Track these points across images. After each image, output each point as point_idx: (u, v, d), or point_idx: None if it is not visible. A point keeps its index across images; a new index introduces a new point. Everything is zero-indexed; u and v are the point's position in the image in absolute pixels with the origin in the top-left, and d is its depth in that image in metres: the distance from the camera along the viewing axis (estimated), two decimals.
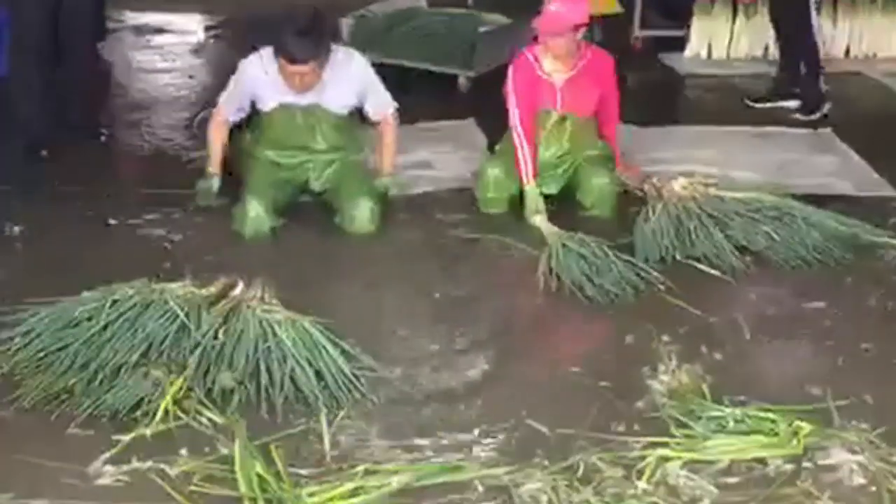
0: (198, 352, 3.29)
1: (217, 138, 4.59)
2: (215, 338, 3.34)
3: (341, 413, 3.22)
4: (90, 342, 3.37)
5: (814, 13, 5.85)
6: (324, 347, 3.36)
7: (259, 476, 2.87)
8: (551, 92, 4.61)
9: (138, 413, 3.14)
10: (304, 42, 4.20)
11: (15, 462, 2.98)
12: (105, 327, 3.40)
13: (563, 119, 4.63)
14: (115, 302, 3.47)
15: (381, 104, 4.63)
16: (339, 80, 4.42)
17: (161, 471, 2.94)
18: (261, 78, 4.39)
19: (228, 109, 4.56)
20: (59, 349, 3.38)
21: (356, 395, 3.28)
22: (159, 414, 3.12)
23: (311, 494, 2.84)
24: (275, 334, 3.35)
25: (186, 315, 3.40)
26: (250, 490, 2.84)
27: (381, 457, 3.03)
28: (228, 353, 3.30)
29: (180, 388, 3.20)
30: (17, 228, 4.40)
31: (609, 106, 4.78)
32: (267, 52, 4.35)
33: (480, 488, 2.92)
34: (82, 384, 3.24)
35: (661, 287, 3.96)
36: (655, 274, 4.01)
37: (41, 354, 3.38)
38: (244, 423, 3.10)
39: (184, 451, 3.02)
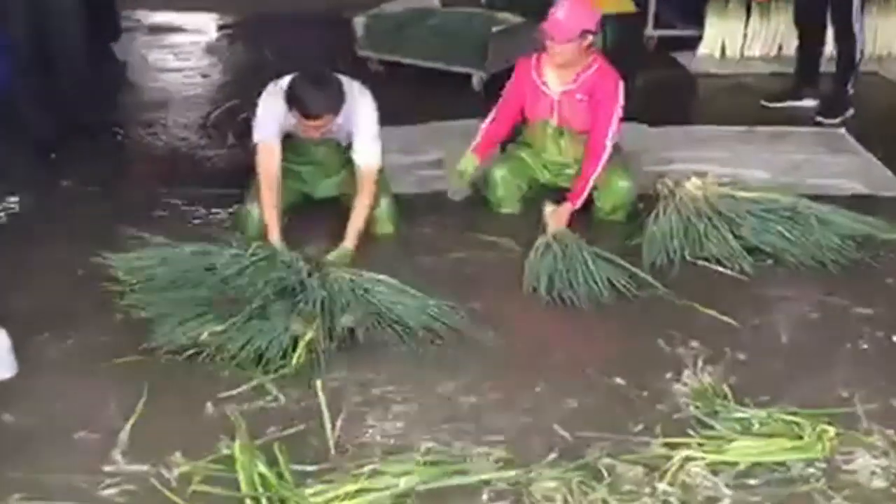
0: (325, 302, 3.58)
1: (268, 182, 4.13)
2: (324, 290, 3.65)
3: (342, 414, 3.23)
4: (216, 288, 3.65)
5: (857, 10, 5.69)
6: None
7: (261, 475, 2.85)
8: (549, 104, 4.53)
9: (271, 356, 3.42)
10: (319, 96, 4.05)
11: (19, 464, 2.99)
12: (224, 279, 3.68)
13: (560, 132, 4.57)
14: (235, 255, 3.77)
15: (365, 153, 4.23)
16: (348, 118, 4.23)
17: (161, 472, 2.94)
18: (281, 104, 4.14)
19: (267, 131, 4.18)
20: (189, 294, 3.62)
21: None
22: (298, 352, 3.42)
23: (315, 494, 2.83)
24: (364, 288, 3.69)
25: (308, 272, 3.70)
26: (252, 489, 2.82)
27: (388, 457, 3.02)
28: (342, 302, 3.62)
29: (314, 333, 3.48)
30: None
31: (598, 126, 4.42)
32: (284, 81, 4.17)
33: (488, 492, 2.91)
34: (227, 327, 3.46)
35: (661, 292, 3.93)
36: (647, 277, 3.99)
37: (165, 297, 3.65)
38: (244, 422, 3.10)
39: (178, 455, 3.00)
